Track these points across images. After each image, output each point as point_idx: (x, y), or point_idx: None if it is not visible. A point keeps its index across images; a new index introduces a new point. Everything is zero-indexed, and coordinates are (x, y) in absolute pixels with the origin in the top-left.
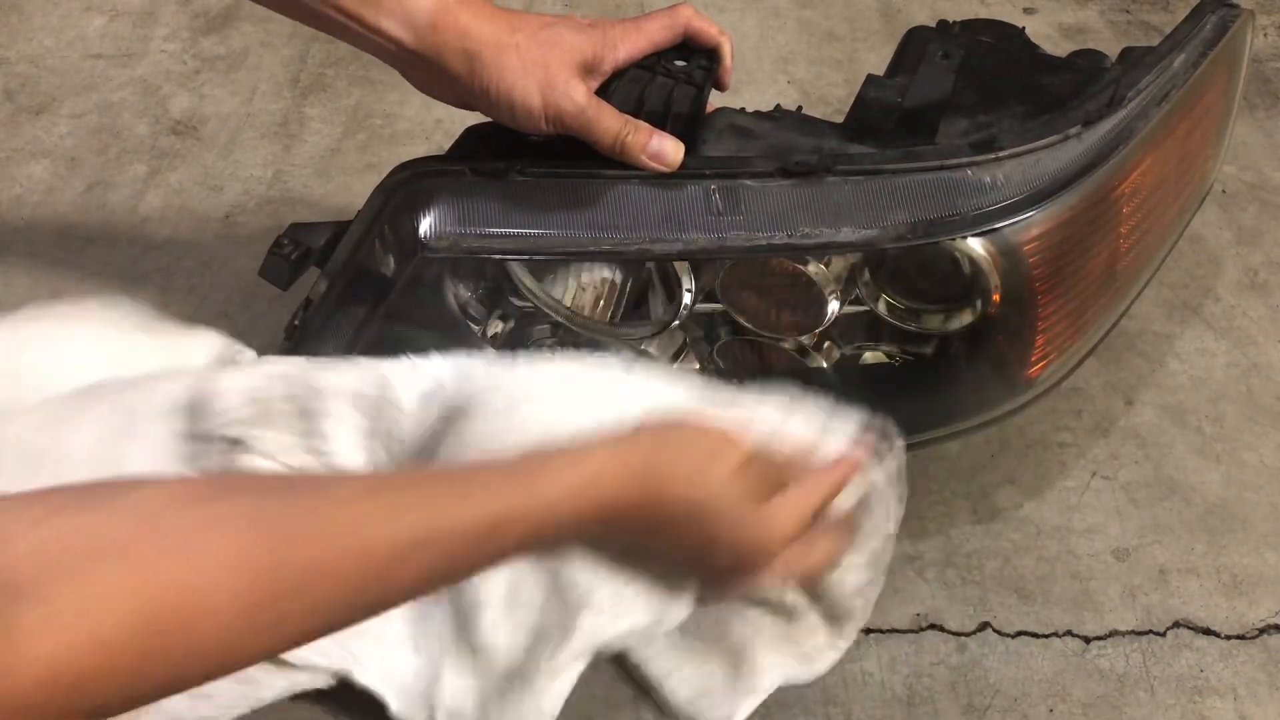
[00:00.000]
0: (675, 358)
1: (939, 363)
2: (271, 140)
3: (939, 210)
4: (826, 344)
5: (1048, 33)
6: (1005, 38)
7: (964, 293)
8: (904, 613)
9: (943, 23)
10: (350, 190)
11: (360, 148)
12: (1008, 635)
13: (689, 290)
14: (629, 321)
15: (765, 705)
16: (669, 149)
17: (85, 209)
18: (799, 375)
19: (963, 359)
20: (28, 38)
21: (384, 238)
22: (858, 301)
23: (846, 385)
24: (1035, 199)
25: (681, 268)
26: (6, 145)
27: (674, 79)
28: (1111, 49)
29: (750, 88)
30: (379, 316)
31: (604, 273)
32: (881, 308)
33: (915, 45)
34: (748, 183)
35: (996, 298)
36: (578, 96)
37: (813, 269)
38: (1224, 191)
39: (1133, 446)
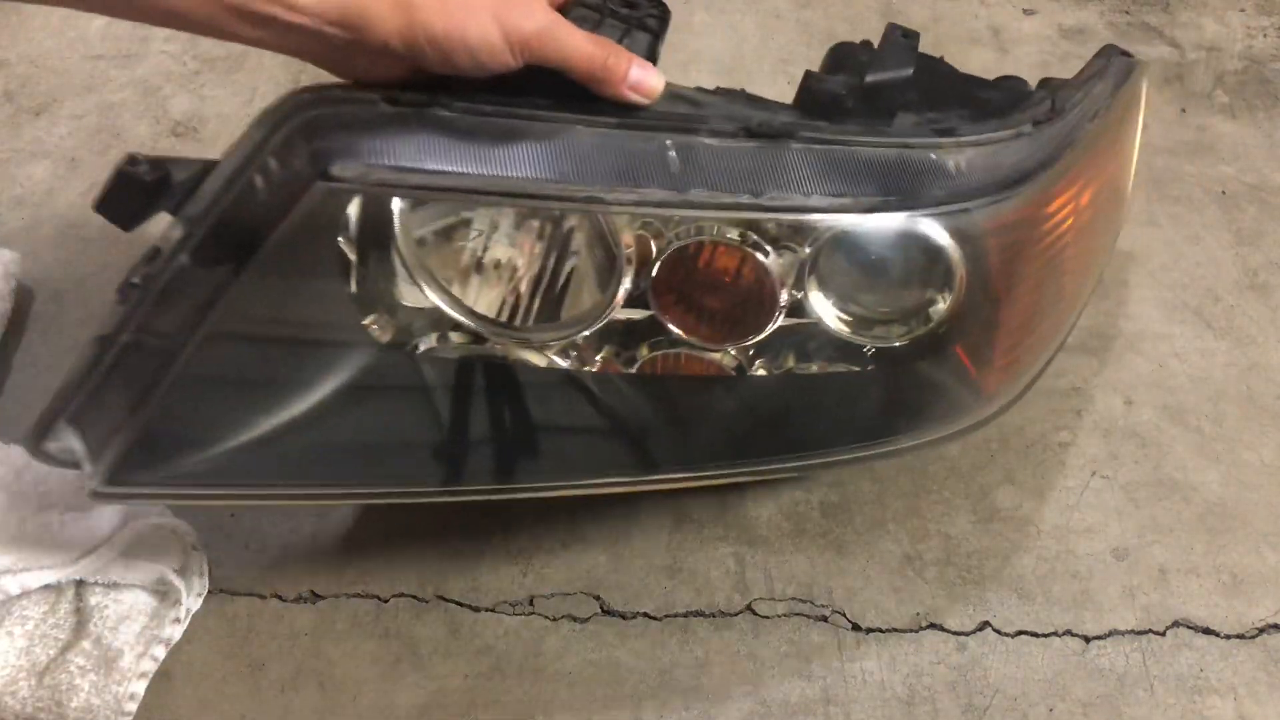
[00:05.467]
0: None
1: (892, 374)
2: None
3: (907, 186)
4: (764, 358)
5: (1048, 34)
6: (930, 59)
7: (919, 296)
8: (904, 612)
9: (865, 41)
10: None
11: None
12: (1007, 635)
13: (625, 277)
14: (541, 324)
15: (765, 705)
16: (651, 80)
17: (85, 209)
18: (736, 386)
19: (919, 369)
20: (28, 38)
21: (268, 172)
22: (797, 313)
23: (790, 396)
24: (1000, 187)
25: (600, 258)
26: (7, 146)
27: (625, 23)
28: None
29: (750, 88)
30: (247, 277)
31: (513, 255)
32: (830, 321)
33: (843, 57)
34: (707, 141)
35: (958, 296)
36: (539, 15)
37: (770, 260)
38: (1224, 192)
39: (1133, 446)
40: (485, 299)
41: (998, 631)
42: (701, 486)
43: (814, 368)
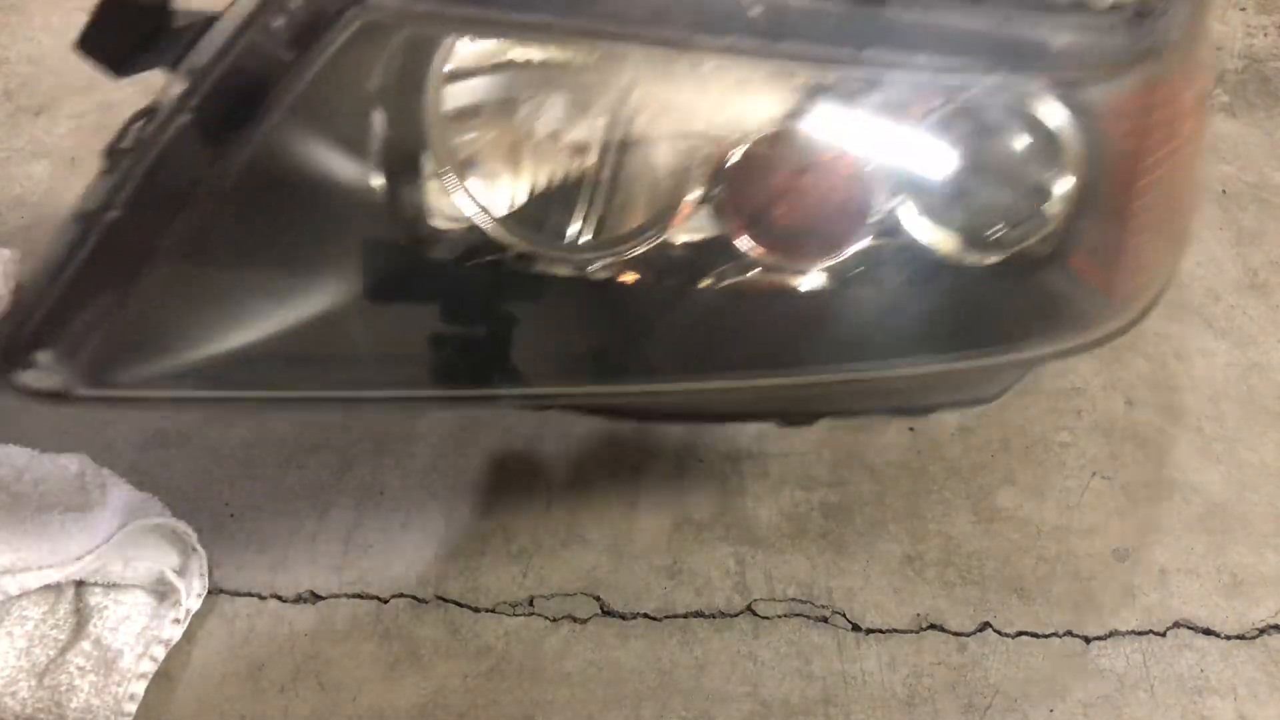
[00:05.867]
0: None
1: (1002, 287)
2: None
3: (1015, 56)
4: (846, 280)
5: None
6: None
7: (1029, 192)
8: (904, 613)
9: None
10: None
11: None
12: (1008, 635)
13: (699, 173)
14: (588, 241)
15: (765, 705)
16: None
17: None
18: (825, 305)
19: (1035, 279)
20: (28, 38)
21: (286, 11)
22: (887, 231)
23: (887, 313)
24: (1114, 65)
25: (665, 162)
26: (6, 145)
27: None
28: None
29: None
30: (261, 138)
31: (561, 145)
32: (932, 238)
33: None
34: (794, 2)
35: (1078, 185)
36: None
37: (867, 157)
38: (1224, 192)
39: (1133, 447)
40: (519, 200)
41: (998, 632)
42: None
43: (907, 286)
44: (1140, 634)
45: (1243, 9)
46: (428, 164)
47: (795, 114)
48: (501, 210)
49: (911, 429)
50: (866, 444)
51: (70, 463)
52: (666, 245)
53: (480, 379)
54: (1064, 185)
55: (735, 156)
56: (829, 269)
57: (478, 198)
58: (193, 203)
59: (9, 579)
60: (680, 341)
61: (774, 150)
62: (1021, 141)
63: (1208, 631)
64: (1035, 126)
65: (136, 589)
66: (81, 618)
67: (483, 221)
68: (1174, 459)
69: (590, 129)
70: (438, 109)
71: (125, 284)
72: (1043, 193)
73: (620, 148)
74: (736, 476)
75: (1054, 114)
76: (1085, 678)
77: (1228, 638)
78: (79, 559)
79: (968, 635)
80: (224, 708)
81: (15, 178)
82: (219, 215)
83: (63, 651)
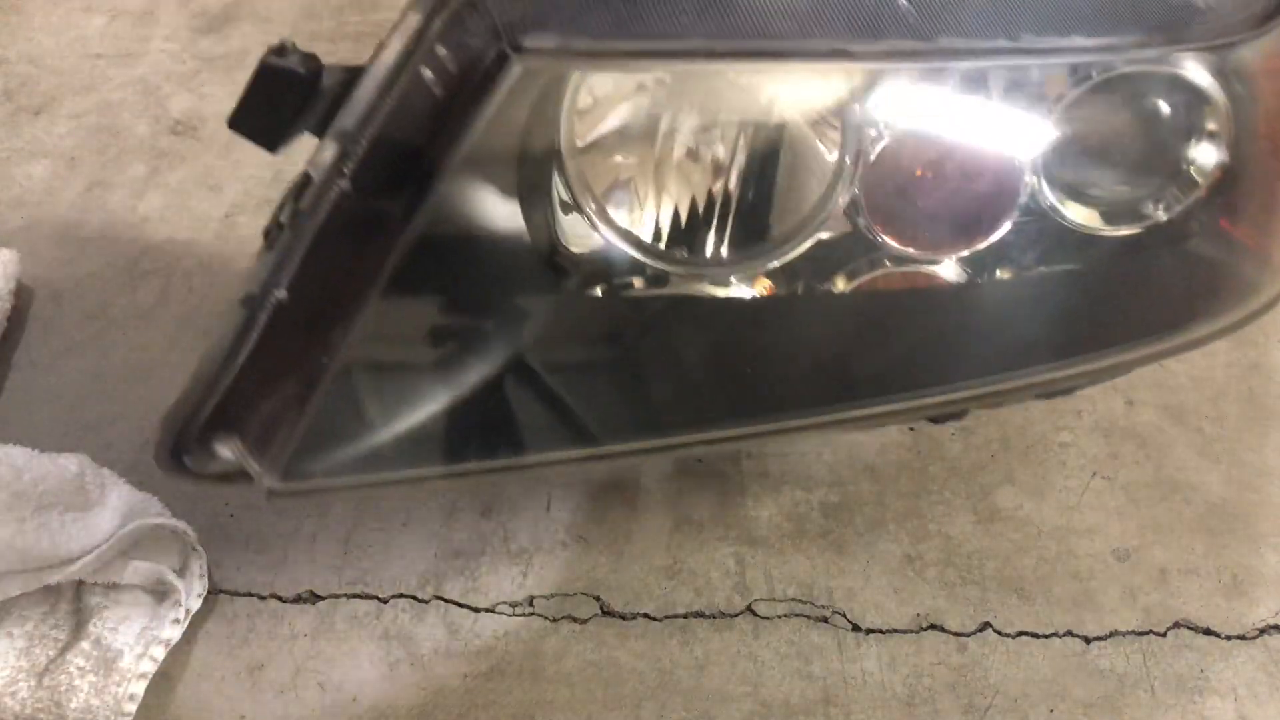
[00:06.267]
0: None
1: (1156, 259)
2: None
3: (1162, 21)
4: (990, 266)
5: None
6: None
7: (1176, 159)
8: (904, 613)
9: None
10: None
11: None
12: (1008, 635)
13: (851, 176)
14: (732, 252)
15: (765, 705)
16: None
17: (85, 209)
18: (963, 298)
19: (1189, 247)
20: (28, 37)
21: (435, 60)
22: (1030, 214)
23: (1028, 302)
24: (1260, 19)
25: (809, 146)
26: (6, 145)
27: None
28: None
29: None
30: (433, 198)
31: (700, 163)
32: (1073, 211)
33: None
34: None
35: (1230, 150)
36: None
37: (1013, 140)
38: None
39: (1133, 446)
40: (666, 226)
41: (998, 632)
42: (941, 410)
43: (1054, 267)
44: (1140, 634)
45: None
46: (568, 196)
47: (934, 103)
48: (648, 235)
49: (911, 428)
50: (866, 444)
51: (70, 462)
52: (810, 251)
53: (667, 424)
54: (1211, 147)
55: (876, 151)
56: (976, 257)
57: (622, 225)
58: (362, 279)
59: (9, 579)
60: (842, 361)
61: (914, 142)
62: (1166, 106)
63: (1208, 631)
64: (1180, 88)
65: (136, 589)
66: (81, 618)
67: (633, 249)
68: (1174, 459)
69: (727, 140)
70: (572, 140)
71: (305, 373)
72: (1189, 156)
73: (757, 156)
74: (736, 476)
75: (1198, 74)
76: (1085, 678)
77: (1228, 638)
78: (79, 559)
79: (968, 635)
80: (224, 708)
81: (15, 177)
82: (391, 289)
83: (63, 651)
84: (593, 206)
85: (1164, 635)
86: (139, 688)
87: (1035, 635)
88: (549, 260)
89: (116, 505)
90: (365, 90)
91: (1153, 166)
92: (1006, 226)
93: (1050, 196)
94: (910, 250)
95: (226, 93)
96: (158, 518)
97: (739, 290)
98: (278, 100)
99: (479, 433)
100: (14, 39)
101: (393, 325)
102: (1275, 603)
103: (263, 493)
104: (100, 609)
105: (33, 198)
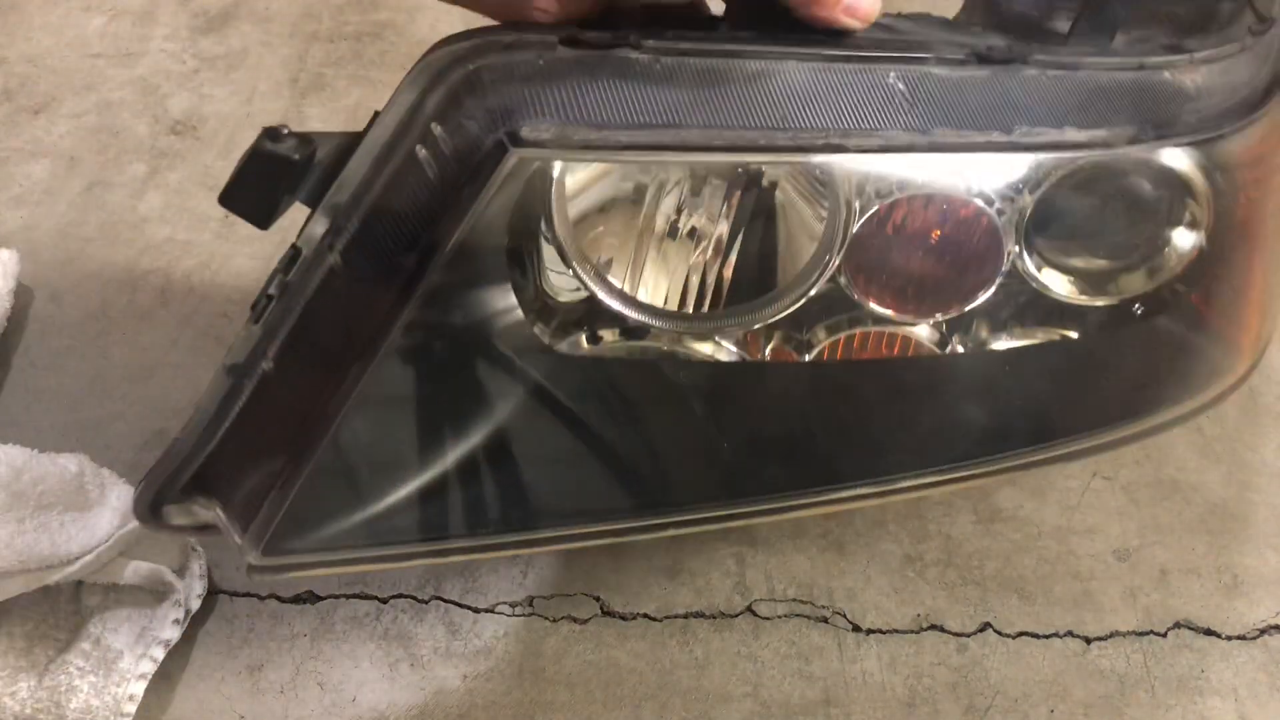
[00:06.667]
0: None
1: (1124, 336)
2: None
3: (1154, 113)
4: (960, 332)
5: None
6: None
7: (1153, 241)
8: (904, 613)
9: None
10: None
11: None
12: (1008, 636)
13: (839, 244)
14: (726, 309)
15: (765, 706)
16: (867, 3)
17: (84, 209)
18: (937, 369)
19: (1158, 327)
20: (27, 37)
21: (433, 143)
22: (1008, 281)
23: (1001, 375)
24: (1245, 108)
25: (801, 223)
26: (5, 145)
27: None
28: None
29: None
30: (426, 279)
31: (698, 223)
32: (1051, 279)
33: None
34: (935, 71)
35: (1207, 237)
36: None
37: (998, 213)
38: None
39: (1133, 446)
40: (652, 282)
41: (998, 632)
42: (895, 498)
43: (1030, 337)
44: (1141, 634)
45: None
46: (560, 267)
47: (921, 173)
48: (643, 299)
49: None
50: None
51: (69, 462)
52: (796, 313)
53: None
54: (1190, 232)
55: (863, 218)
56: (953, 320)
57: (614, 291)
58: (350, 355)
59: (8, 579)
60: (820, 438)
61: (901, 208)
62: (1147, 188)
63: (1208, 632)
64: (1163, 176)
65: (136, 589)
66: (81, 618)
67: (619, 303)
68: (1174, 459)
69: (714, 206)
70: (564, 209)
71: (291, 446)
72: (1168, 238)
73: (744, 221)
74: None
75: (1182, 162)
76: (1086, 678)
77: (1228, 638)
78: (78, 559)
79: (968, 636)
80: (223, 708)
81: (15, 177)
82: (380, 365)
83: (62, 651)
84: (586, 269)
85: (1164, 635)
86: (139, 688)
87: (1036, 635)
88: (536, 319)
89: (116, 505)
90: (359, 164)
91: (1131, 244)
92: (987, 294)
93: (1030, 265)
94: (890, 312)
95: (226, 92)
96: None
97: (720, 349)
98: (269, 183)
99: (468, 508)
100: (13, 38)
101: (382, 398)
102: (1276, 603)
103: (244, 568)
104: (100, 609)
105: (32, 198)
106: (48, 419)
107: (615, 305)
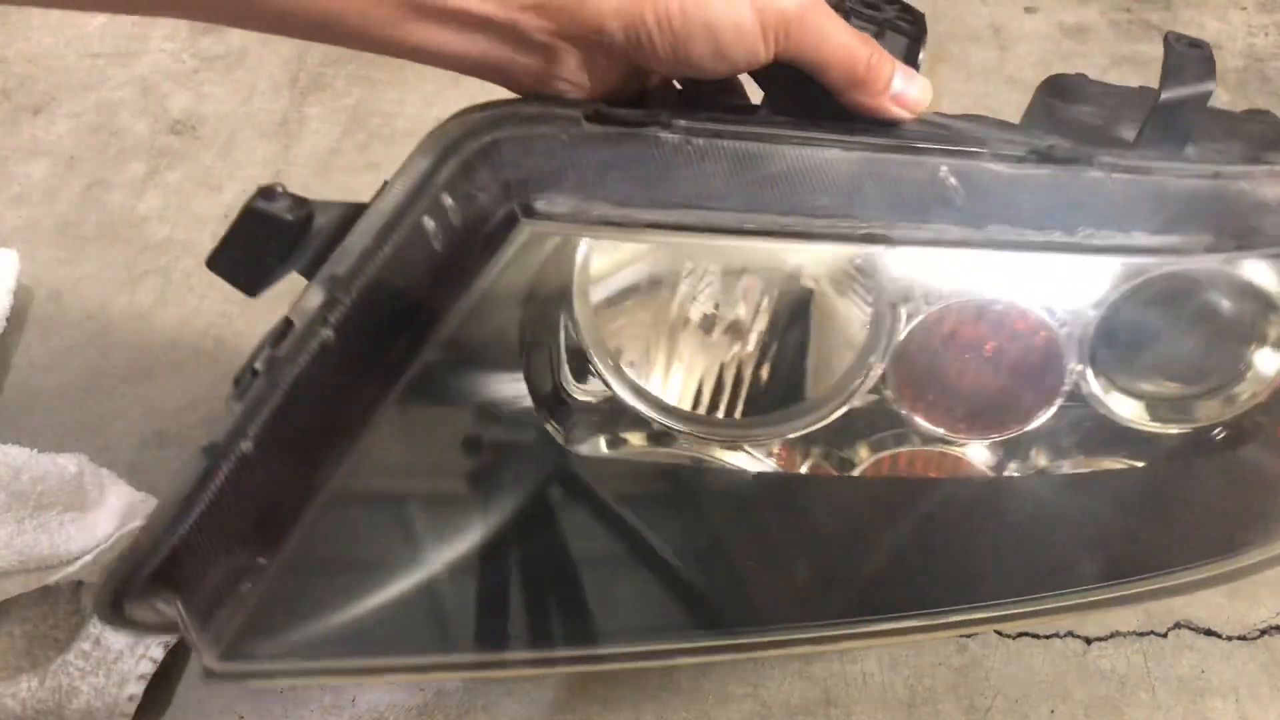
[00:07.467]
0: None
1: (1199, 466)
2: (270, 140)
3: (1232, 223)
4: (1029, 453)
5: (1048, 32)
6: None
7: (1230, 362)
8: None
9: (1081, 74)
10: (350, 190)
11: (360, 147)
12: (1009, 636)
13: (884, 349)
14: (758, 416)
15: (766, 706)
16: (915, 90)
17: (84, 208)
18: (990, 494)
19: (1238, 456)
20: (26, 36)
21: (441, 213)
22: (1072, 402)
23: (1065, 505)
24: None
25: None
26: (5, 144)
27: (875, 24)
28: (1112, 49)
29: None
30: (424, 357)
31: (729, 321)
32: (1117, 402)
33: (1066, 89)
34: (992, 166)
35: None
36: None
37: (1060, 326)
38: None
39: None
40: (680, 380)
41: (999, 633)
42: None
43: (1094, 464)
44: (1141, 635)
45: (1244, 8)
46: (578, 359)
47: (975, 278)
48: (659, 392)
49: None
50: None
51: (69, 462)
52: (837, 426)
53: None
54: (1274, 353)
55: (911, 324)
56: (1009, 442)
57: (634, 380)
58: (338, 437)
59: (8, 579)
60: (857, 565)
61: (952, 316)
62: (1226, 305)
63: (1209, 632)
64: (1243, 290)
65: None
66: (81, 618)
67: (644, 404)
68: None
69: (749, 302)
70: (585, 295)
71: (264, 537)
72: (1249, 360)
73: (782, 321)
74: None
75: (1264, 276)
76: (1086, 679)
77: (1229, 638)
78: (78, 559)
79: (969, 636)
80: (224, 708)
81: (14, 177)
82: (369, 452)
83: (62, 652)
84: (608, 362)
85: (1165, 636)
86: (139, 688)
87: (1036, 636)
88: (550, 414)
89: (116, 506)
90: (361, 233)
91: (1207, 366)
92: (1047, 415)
93: (1095, 386)
94: (940, 430)
95: (226, 92)
96: None
97: (751, 460)
98: (261, 246)
99: (454, 622)
100: (12, 38)
101: (370, 489)
102: (1277, 603)
103: (200, 670)
104: None
105: (32, 197)
106: (48, 419)
107: (640, 407)
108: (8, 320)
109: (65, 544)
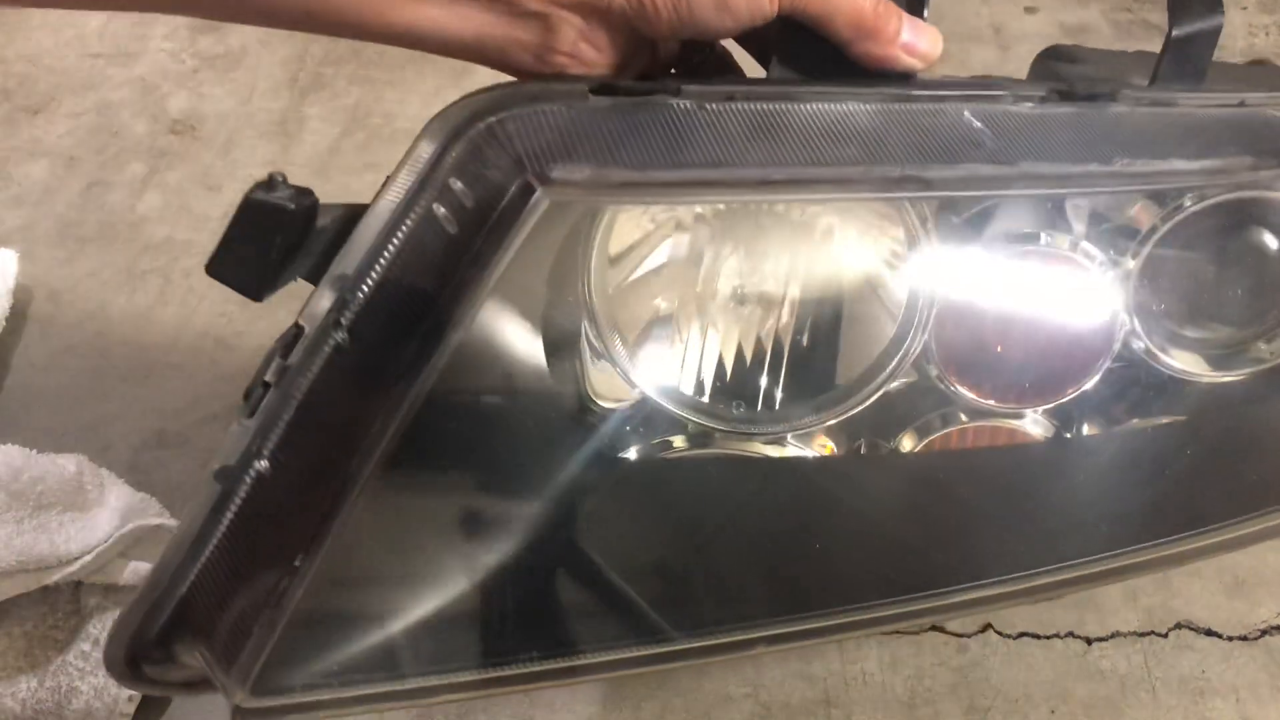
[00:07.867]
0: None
1: (1271, 408)
2: (270, 140)
3: (1270, 145)
4: (1082, 416)
5: (1049, 31)
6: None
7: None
8: None
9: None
10: (350, 191)
11: (359, 147)
12: (1009, 636)
13: (925, 324)
14: (784, 404)
15: (766, 707)
16: (926, 40)
17: (84, 208)
18: (1048, 459)
19: None
20: (26, 36)
21: (450, 195)
22: (1121, 362)
23: (1129, 464)
24: None
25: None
26: (5, 144)
27: None
28: (1113, 47)
29: None
30: (448, 351)
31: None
32: (1171, 358)
33: (1059, 56)
34: (1014, 108)
35: None
36: None
37: (1096, 272)
38: None
39: None
40: (704, 377)
41: (999, 633)
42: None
43: (1152, 420)
44: (1142, 635)
45: (1244, 8)
46: (598, 345)
47: (1014, 240)
48: (690, 388)
49: None
50: None
51: (68, 462)
52: (876, 404)
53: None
54: None
55: (951, 293)
56: (1062, 409)
57: (659, 376)
58: (358, 447)
59: (8, 580)
60: (915, 540)
61: (993, 282)
62: (1273, 234)
63: (1209, 632)
64: None
65: (136, 589)
66: (81, 618)
67: (671, 403)
68: None
69: (778, 278)
70: (604, 283)
71: (287, 561)
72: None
73: (814, 296)
74: None
75: None
76: (1087, 679)
77: (1230, 639)
78: (78, 559)
79: (969, 636)
80: (224, 708)
81: (14, 177)
82: (394, 461)
83: (62, 652)
84: (624, 356)
85: (1165, 636)
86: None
87: (1036, 636)
88: (578, 419)
89: (115, 505)
90: (369, 228)
91: (1262, 302)
92: (1098, 375)
93: (1145, 340)
94: (990, 403)
95: (225, 92)
96: (157, 518)
97: (794, 450)
98: (265, 242)
99: (495, 634)
100: (12, 38)
101: (390, 503)
102: (1277, 604)
103: (229, 711)
104: (100, 609)
105: (31, 197)
106: (47, 419)
107: (670, 408)
108: (7, 320)
109: (65, 544)
